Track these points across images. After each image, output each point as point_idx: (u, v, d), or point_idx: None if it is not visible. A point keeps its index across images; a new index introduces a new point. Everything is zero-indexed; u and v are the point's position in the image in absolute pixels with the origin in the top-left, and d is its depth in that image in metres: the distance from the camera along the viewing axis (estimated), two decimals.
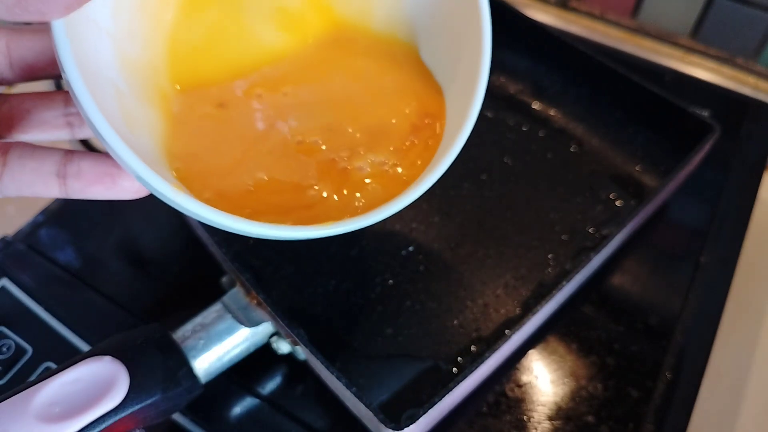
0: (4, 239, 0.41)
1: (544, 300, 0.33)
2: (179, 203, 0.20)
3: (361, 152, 0.25)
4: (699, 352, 0.37)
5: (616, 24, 0.56)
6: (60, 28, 0.19)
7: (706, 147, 0.39)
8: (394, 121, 0.26)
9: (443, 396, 0.30)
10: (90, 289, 0.39)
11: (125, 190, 0.23)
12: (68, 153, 0.22)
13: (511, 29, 0.40)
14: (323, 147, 0.26)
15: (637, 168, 0.44)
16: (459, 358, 0.36)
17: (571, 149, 0.45)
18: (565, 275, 0.34)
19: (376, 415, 0.29)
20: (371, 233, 0.40)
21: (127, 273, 0.41)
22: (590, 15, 0.57)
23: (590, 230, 0.41)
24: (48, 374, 0.28)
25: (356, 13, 0.29)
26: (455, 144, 0.25)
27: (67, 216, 0.43)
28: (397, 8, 0.29)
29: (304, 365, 0.36)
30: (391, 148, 0.26)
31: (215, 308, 0.33)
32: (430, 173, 0.24)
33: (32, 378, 0.35)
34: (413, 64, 0.28)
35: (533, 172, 0.44)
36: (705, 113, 0.42)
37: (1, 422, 0.26)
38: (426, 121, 0.27)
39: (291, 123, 0.26)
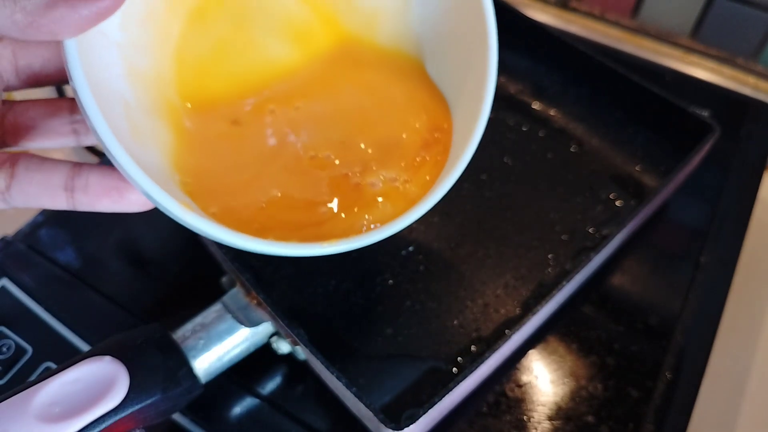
0: (4, 239, 0.41)
1: (544, 300, 0.33)
2: (187, 221, 0.20)
3: (374, 168, 0.25)
4: (699, 352, 0.37)
5: (616, 24, 0.56)
6: (71, 44, 0.19)
7: (706, 147, 0.39)
8: (404, 135, 0.26)
9: (443, 396, 0.30)
10: (90, 289, 0.39)
11: (132, 203, 0.23)
12: (76, 166, 0.22)
13: (511, 29, 0.40)
14: (336, 162, 0.26)
15: (637, 168, 0.44)
16: (459, 358, 0.36)
17: (571, 149, 0.45)
18: (565, 275, 0.34)
19: (376, 414, 0.29)
20: None
21: (127, 273, 0.41)
22: (590, 15, 0.57)
23: (590, 230, 0.41)
24: (48, 374, 0.28)
25: (362, 26, 0.29)
26: (460, 162, 0.25)
27: (67, 216, 0.43)
28: (403, 22, 0.29)
29: (304, 365, 0.36)
30: (403, 164, 0.26)
31: (215, 308, 0.33)
32: (435, 191, 0.24)
33: (32, 378, 0.35)
34: (420, 77, 0.28)
35: (533, 172, 0.44)
36: (705, 113, 0.41)
37: (1, 422, 0.26)
38: (436, 136, 0.27)
39: (303, 138, 0.26)
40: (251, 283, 0.33)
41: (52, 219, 0.42)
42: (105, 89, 0.21)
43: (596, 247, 0.35)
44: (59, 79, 0.24)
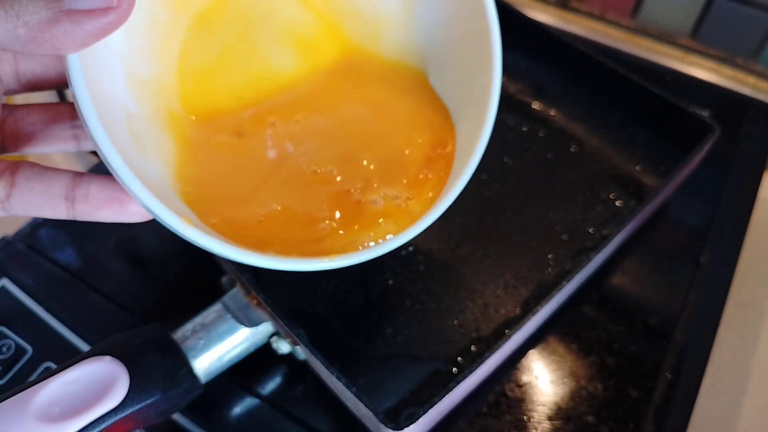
0: (4, 239, 0.41)
1: (544, 300, 0.33)
2: (186, 235, 0.20)
3: (375, 185, 0.25)
4: (699, 352, 0.37)
5: (616, 24, 0.56)
6: (74, 55, 0.19)
7: (706, 147, 0.39)
8: (407, 152, 0.26)
9: (443, 396, 0.30)
10: (90, 289, 0.39)
11: (133, 214, 0.22)
12: (77, 176, 0.22)
13: (511, 29, 0.39)
14: (338, 178, 0.25)
15: (637, 168, 0.44)
16: (459, 358, 0.36)
17: (571, 149, 0.45)
18: (565, 275, 0.34)
19: (376, 414, 0.29)
20: None
21: (127, 273, 0.41)
22: (590, 15, 0.57)
23: (590, 230, 0.41)
24: (48, 374, 0.28)
25: (366, 36, 0.28)
26: (461, 179, 0.25)
27: None
28: (407, 33, 0.28)
29: (304, 365, 0.36)
30: (405, 181, 0.26)
31: (215, 308, 0.33)
32: (435, 208, 0.24)
33: (32, 378, 0.35)
34: (423, 89, 0.28)
35: (533, 172, 0.44)
36: (705, 113, 0.42)
37: (1, 422, 0.26)
38: (439, 151, 0.26)
39: (305, 152, 0.26)
40: (251, 283, 0.33)
41: (52, 219, 0.42)
42: (107, 98, 0.21)
43: (596, 247, 0.35)
44: (60, 84, 0.24)
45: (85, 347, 0.37)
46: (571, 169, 0.44)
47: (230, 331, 0.33)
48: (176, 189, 0.23)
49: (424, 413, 0.29)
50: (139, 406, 0.28)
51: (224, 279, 0.38)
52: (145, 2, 0.23)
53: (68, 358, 0.29)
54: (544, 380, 0.36)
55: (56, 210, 0.22)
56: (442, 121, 0.27)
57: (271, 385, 0.36)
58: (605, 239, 0.35)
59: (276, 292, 0.38)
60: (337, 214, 0.25)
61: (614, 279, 0.40)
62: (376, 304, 0.38)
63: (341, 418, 0.34)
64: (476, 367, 0.31)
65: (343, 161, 0.26)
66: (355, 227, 0.24)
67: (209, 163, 0.25)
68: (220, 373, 0.33)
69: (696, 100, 0.42)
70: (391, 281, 0.38)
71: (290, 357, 0.36)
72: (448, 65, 0.28)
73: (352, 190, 0.25)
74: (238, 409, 0.35)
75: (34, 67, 0.23)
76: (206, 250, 0.21)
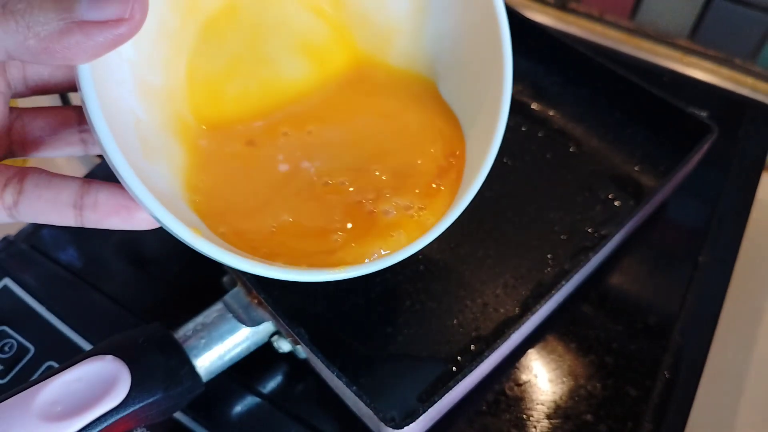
0: (6, 239, 0.42)
1: (543, 299, 0.33)
2: (196, 246, 0.20)
3: (387, 195, 0.25)
4: (697, 352, 0.37)
5: (615, 25, 0.56)
6: (84, 65, 0.19)
7: (705, 147, 0.39)
8: (419, 162, 0.26)
9: (443, 395, 0.30)
10: (92, 289, 0.40)
11: (142, 222, 0.22)
12: (85, 183, 0.22)
13: (510, 30, 0.40)
14: (350, 189, 0.25)
15: (635, 168, 0.44)
16: (458, 357, 0.36)
17: (570, 149, 0.45)
18: (564, 275, 0.34)
19: (376, 413, 0.29)
20: None
21: (128, 273, 0.41)
22: (589, 16, 0.57)
23: (589, 230, 0.41)
24: (50, 373, 0.28)
25: (376, 45, 0.28)
26: (470, 190, 0.24)
27: None
28: (417, 41, 0.28)
29: (305, 364, 0.36)
30: (417, 191, 0.25)
31: (216, 308, 0.34)
32: (447, 216, 0.24)
33: (34, 377, 0.35)
34: (433, 99, 0.28)
35: (532, 172, 0.44)
36: (703, 114, 0.42)
37: (4, 421, 0.26)
38: (450, 161, 0.26)
39: (317, 163, 0.25)
40: (252, 282, 0.33)
41: None
42: (116, 106, 0.21)
43: (595, 247, 0.35)
44: (68, 88, 0.24)
45: (87, 346, 0.37)
46: (570, 169, 0.44)
47: (231, 331, 0.33)
48: (186, 198, 0.23)
49: (424, 412, 0.29)
50: (141, 404, 0.28)
51: (225, 279, 0.38)
52: (154, 9, 0.23)
53: (70, 357, 0.29)
54: (543, 379, 0.36)
55: (64, 217, 0.22)
56: (453, 130, 0.27)
57: (272, 384, 0.36)
58: (604, 239, 0.35)
59: (277, 291, 0.38)
60: (349, 225, 0.24)
61: (613, 279, 0.40)
62: (376, 303, 0.38)
63: (342, 417, 0.35)
64: (476, 366, 0.31)
65: (355, 172, 0.26)
66: (367, 238, 0.24)
67: (220, 172, 0.24)
68: (221, 371, 0.33)
69: (694, 101, 0.43)
70: (391, 281, 0.39)
71: (291, 356, 0.36)
72: (459, 74, 0.28)
73: (364, 201, 0.25)
74: (239, 408, 0.35)
75: (41, 71, 0.23)
76: (216, 261, 0.21)
